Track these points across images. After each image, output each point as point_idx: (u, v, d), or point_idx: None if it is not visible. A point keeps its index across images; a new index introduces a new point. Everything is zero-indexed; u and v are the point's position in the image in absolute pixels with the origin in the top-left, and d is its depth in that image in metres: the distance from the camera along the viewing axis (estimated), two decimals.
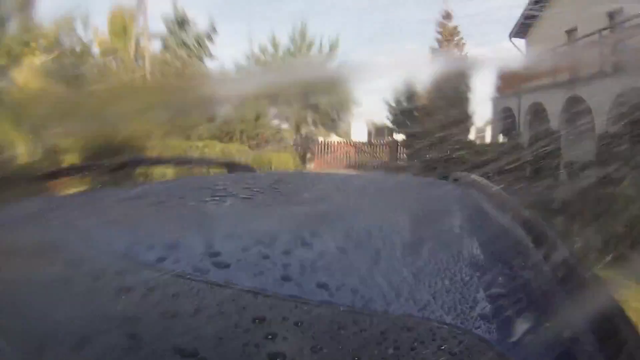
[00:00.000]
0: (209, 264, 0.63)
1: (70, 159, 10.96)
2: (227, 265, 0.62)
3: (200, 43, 21.55)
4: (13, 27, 11.80)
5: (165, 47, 20.59)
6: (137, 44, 18.87)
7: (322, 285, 0.60)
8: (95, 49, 15.06)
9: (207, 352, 0.57)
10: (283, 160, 12.46)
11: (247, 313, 0.57)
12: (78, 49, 12.21)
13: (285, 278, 0.61)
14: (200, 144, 12.11)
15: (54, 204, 0.97)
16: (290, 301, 0.57)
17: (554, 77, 11.84)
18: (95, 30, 17.33)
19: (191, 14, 21.62)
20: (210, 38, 22.02)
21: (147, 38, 18.41)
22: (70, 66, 11.19)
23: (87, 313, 0.63)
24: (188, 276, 0.61)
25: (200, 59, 21.05)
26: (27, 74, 10.07)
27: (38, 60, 10.33)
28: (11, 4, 11.00)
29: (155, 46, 21.04)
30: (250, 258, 0.65)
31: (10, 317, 0.65)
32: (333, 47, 20.75)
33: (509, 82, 15.33)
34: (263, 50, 20.84)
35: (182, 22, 21.22)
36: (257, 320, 0.56)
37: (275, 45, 20.86)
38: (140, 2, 17.96)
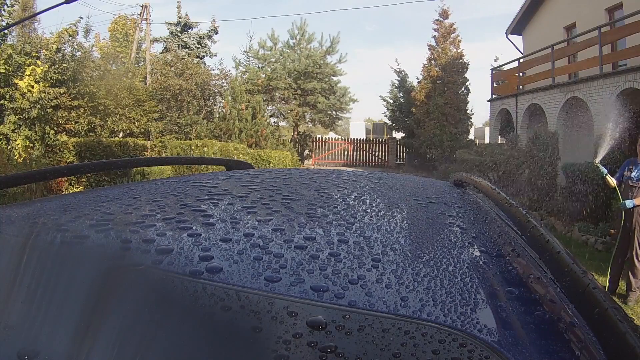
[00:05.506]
0: (202, 267, 0.62)
1: (68, 158, 10.97)
2: (221, 270, 0.62)
3: (201, 43, 21.60)
4: (16, 38, 11.94)
5: (167, 48, 20.71)
6: (139, 47, 19.01)
7: (318, 286, 0.60)
8: (97, 54, 15.19)
9: (205, 353, 0.57)
10: (282, 157, 12.46)
11: (246, 314, 0.57)
12: (78, 54, 12.26)
13: (281, 279, 0.61)
14: (199, 142, 12.11)
15: (48, 205, 0.96)
16: (289, 302, 0.57)
17: (552, 78, 11.85)
18: (97, 36, 17.50)
19: (193, 15, 21.91)
20: (211, 38, 22.08)
21: (148, 41, 18.55)
22: (71, 71, 11.26)
23: (80, 313, 0.63)
24: (182, 278, 0.61)
25: (201, 58, 21.12)
26: (29, 81, 10.19)
27: (40, 69, 10.43)
28: (14, 16, 11.12)
29: (157, 48, 21.21)
30: (245, 260, 0.65)
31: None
32: (334, 42, 20.72)
33: (507, 83, 15.31)
34: (262, 45, 20.84)
35: (184, 25, 21.33)
36: (256, 321, 0.56)
37: (274, 39, 20.84)
38: (143, 8, 18.15)
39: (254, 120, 14.50)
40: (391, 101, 21.33)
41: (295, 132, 20.89)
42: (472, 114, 19.23)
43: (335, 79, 20.95)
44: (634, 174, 4.77)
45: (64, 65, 11.23)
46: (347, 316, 0.55)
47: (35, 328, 0.63)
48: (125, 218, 0.85)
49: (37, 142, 10.64)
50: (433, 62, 18.60)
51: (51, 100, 10.60)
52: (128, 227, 0.78)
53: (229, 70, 20.57)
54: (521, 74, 14.10)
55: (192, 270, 0.62)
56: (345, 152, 22.84)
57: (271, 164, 11.82)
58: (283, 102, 20.78)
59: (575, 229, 8.07)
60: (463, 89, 18.64)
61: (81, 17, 13.39)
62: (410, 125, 19.80)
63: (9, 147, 10.46)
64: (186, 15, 21.44)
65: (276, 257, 0.66)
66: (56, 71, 10.89)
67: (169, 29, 21.52)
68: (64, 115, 11.42)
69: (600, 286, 0.62)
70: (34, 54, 10.64)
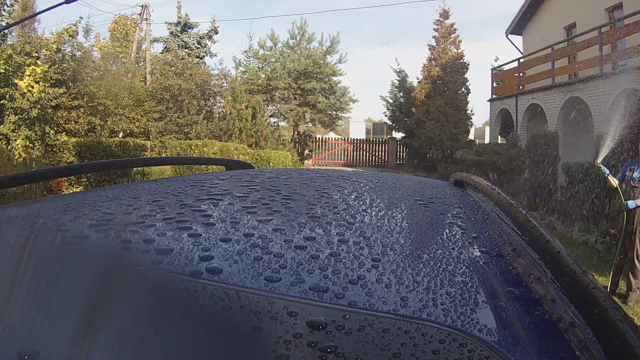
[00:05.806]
0: (202, 267, 0.62)
1: (68, 158, 10.97)
2: (220, 270, 0.62)
3: (201, 43, 21.61)
4: (16, 38, 11.94)
5: (167, 48, 20.74)
6: (139, 47, 19.03)
7: (318, 286, 0.59)
8: (97, 54, 15.20)
9: (205, 353, 0.57)
10: (282, 157, 12.47)
11: (246, 314, 0.57)
12: (78, 54, 12.26)
13: (281, 279, 0.61)
14: (199, 142, 12.11)
15: (48, 205, 0.96)
16: (289, 302, 0.57)
17: (552, 78, 11.84)
18: (97, 36, 17.52)
19: (193, 15, 21.98)
20: (211, 38, 22.09)
21: (148, 41, 18.58)
22: (71, 71, 11.25)
23: (80, 313, 0.63)
24: (182, 278, 0.61)
25: (201, 58, 21.13)
26: (29, 81, 10.19)
27: (40, 69, 10.43)
28: (14, 16, 11.13)
29: (157, 48, 21.24)
30: (245, 260, 0.65)
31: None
32: (334, 42, 20.71)
33: (507, 83, 15.30)
34: (262, 45, 20.84)
35: (184, 25, 21.35)
36: (256, 321, 0.56)
37: (274, 39, 20.84)
38: (143, 8, 18.19)
39: (254, 120, 14.50)
40: (391, 101, 21.31)
41: (295, 132, 20.88)
42: (472, 114, 19.22)
43: (335, 79, 20.96)
44: (635, 174, 4.77)
45: (64, 65, 11.23)
46: (347, 316, 0.55)
47: (35, 328, 0.62)
48: (125, 218, 0.85)
49: (37, 142, 10.64)
50: (433, 62, 18.60)
51: (51, 100, 10.60)
52: (128, 227, 0.78)
53: (229, 70, 20.60)
54: (521, 74, 14.10)
55: (192, 271, 0.62)
56: (345, 152, 22.83)
57: (271, 164, 11.82)
58: (283, 102, 20.77)
59: (575, 229, 8.07)
60: (463, 89, 18.63)
61: (81, 17, 13.41)
62: (410, 125, 19.79)
63: (9, 147, 10.46)
64: (186, 15, 21.45)
65: (276, 257, 0.66)
66: (56, 71, 10.89)
67: (169, 29, 21.52)
68: (64, 115, 11.42)
69: (600, 286, 0.62)
70: (34, 54, 10.65)
